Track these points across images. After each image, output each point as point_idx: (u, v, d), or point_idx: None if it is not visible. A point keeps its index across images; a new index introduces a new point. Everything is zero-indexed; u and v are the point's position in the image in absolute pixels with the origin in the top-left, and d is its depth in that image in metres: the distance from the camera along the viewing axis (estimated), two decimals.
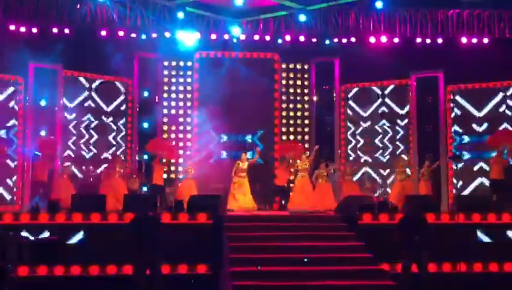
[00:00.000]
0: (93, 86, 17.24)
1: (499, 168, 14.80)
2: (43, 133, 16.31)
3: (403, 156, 17.02)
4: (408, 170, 16.34)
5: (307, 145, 18.01)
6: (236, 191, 15.05)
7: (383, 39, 17.30)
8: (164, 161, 16.66)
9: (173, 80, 17.97)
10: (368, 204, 12.31)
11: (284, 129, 17.95)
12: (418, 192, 15.64)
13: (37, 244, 10.56)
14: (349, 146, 18.14)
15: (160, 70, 17.93)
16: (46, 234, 10.74)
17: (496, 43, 16.91)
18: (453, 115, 17.27)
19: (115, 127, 17.48)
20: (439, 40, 17.25)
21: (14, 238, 10.16)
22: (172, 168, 17.62)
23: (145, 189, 15.61)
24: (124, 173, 15.73)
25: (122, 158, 16.56)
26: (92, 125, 17.07)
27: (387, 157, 17.57)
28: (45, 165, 15.16)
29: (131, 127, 17.75)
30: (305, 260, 10.14)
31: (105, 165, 16.29)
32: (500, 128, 16.43)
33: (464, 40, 17.10)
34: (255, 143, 17.26)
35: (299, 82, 18.32)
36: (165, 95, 17.92)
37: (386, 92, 17.98)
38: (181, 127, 17.81)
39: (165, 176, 16.60)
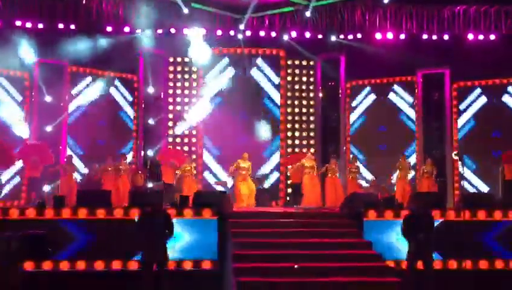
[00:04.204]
0: (99, 81, 17.25)
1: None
2: None
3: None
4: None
5: (312, 142, 17.99)
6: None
7: (389, 35, 17.29)
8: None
9: (178, 76, 17.97)
10: (373, 201, 12.26)
11: (289, 126, 17.93)
12: (421, 189, 15.60)
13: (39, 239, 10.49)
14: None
15: (165, 67, 17.93)
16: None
17: (503, 39, 16.84)
18: None
19: (120, 123, 17.51)
20: (446, 37, 17.22)
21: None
22: None
23: (150, 185, 15.62)
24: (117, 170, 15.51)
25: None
26: (98, 121, 17.08)
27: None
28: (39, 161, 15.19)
29: (137, 123, 17.76)
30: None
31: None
32: None
33: (470, 36, 17.07)
34: None
35: (304, 78, 18.31)
36: (171, 92, 17.91)
37: (392, 87, 17.99)
38: (186, 124, 17.78)
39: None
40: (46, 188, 15.16)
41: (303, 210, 13.69)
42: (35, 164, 15.04)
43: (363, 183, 17.12)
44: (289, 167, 16.76)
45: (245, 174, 15.13)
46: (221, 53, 17.54)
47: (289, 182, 17.28)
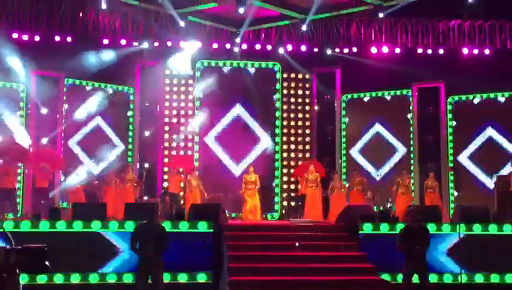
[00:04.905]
0: (94, 93, 17.25)
1: None
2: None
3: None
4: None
5: (308, 155, 18.00)
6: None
7: (385, 49, 17.39)
8: (181, 170, 16.54)
9: (174, 88, 17.96)
10: (369, 214, 12.26)
11: (285, 139, 17.93)
12: (423, 203, 15.62)
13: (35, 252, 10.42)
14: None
15: (161, 79, 17.92)
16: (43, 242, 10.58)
17: (497, 54, 16.96)
18: None
19: (115, 135, 17.49)
20: (441, 51, 17.34)
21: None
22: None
23: (146, 197, 15.58)
24: (118, 182, 15.44)
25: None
26: (93, 133, 17.06)
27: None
28: (45, 173, 15.12)
29: (132, 135, 17.74)
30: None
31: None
32: None
33: (465, 50, 17.19)
34: None
35: (300, 91, 18.33)
36: (167, 104, 17.90)
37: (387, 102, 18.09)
38: (182, 136, 17.74)
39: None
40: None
41: (293, 223, 13.71)
42: (45, 171, 15.01)
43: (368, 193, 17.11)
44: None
45: (253, 189, 15.13)
46: (217, 66, 17.66)
47: (292, 194, 17.32)
